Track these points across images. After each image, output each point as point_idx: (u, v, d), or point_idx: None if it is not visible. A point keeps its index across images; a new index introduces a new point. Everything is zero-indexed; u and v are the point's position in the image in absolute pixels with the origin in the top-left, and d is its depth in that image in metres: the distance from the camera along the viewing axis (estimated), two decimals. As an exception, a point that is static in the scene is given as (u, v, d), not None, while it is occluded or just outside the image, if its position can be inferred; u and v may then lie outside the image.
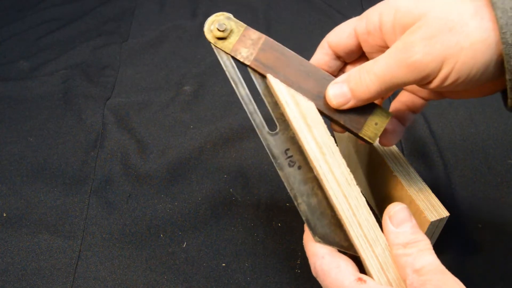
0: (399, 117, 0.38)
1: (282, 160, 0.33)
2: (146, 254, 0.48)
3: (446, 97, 0.35)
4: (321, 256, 0.31)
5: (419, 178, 0.44)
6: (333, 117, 0.34)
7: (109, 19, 0.89)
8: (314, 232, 0.32)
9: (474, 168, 0.56)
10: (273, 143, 0.33)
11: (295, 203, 0.33)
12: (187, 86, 0.71)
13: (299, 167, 0.33)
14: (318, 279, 0.31)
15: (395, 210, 0.30)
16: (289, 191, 0.33)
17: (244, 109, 0.34)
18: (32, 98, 0.69)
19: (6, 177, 0.57)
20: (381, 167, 0.46)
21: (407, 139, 0.60)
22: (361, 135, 0.34)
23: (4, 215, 0.52)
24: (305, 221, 0.32)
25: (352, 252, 0.32)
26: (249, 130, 0.62)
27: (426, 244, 0.29)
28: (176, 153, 0.59)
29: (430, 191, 0.43)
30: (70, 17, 0.89)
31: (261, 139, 0.33)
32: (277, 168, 0.33)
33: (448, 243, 0.48)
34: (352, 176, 0.32)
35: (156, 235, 0.50)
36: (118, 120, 0.64)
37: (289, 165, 0.33)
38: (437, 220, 0.41)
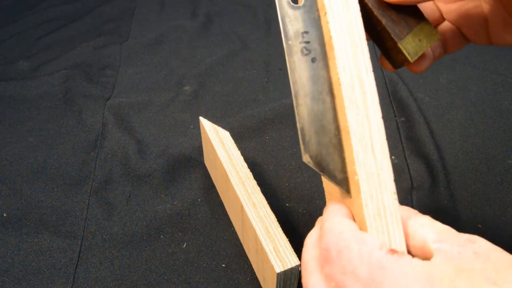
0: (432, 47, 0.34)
1: (295, 43, 0.27)
2: (146, 254, 0.48)
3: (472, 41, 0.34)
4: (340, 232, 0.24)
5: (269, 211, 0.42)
6: (376, 14, 0.29)
7: (109, 19, 0.89)
8: (306, 149, 0.26)
9: (474, 168, 0.56)
10: (291, 17, 0.27)
11: (294, 103, 0.26)
12: (187, 86, 0.71)
13: (313, 60, 0.27)
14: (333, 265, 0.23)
15: None
16: (291, 84, 0.26)
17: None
18: (32, 98, 0.69)
19: (6, 177, 0.57)
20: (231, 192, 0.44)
21: (407, 139, 0.60)
22: (400, 46, 0.29)
23: (4, 215, 0.52)
24: (299, 131, 0.26)
25: (345, 189, 0.26)
26: (249, 130, 0.62)
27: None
28: (176, 153, 0.59)
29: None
30: (70, 17, 0.89)
31: (277, 8, 0.27)
32: (285, 51, 0.27)
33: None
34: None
35: (156, 235, 0.50)
36: (118, 120, 0.64)
37: (302, 52, 0.27)
38: (282, 272, 0.38)
